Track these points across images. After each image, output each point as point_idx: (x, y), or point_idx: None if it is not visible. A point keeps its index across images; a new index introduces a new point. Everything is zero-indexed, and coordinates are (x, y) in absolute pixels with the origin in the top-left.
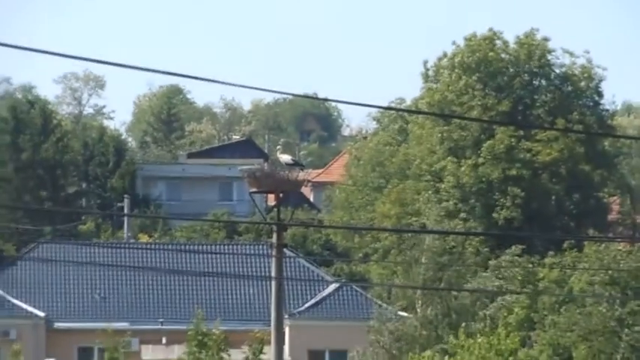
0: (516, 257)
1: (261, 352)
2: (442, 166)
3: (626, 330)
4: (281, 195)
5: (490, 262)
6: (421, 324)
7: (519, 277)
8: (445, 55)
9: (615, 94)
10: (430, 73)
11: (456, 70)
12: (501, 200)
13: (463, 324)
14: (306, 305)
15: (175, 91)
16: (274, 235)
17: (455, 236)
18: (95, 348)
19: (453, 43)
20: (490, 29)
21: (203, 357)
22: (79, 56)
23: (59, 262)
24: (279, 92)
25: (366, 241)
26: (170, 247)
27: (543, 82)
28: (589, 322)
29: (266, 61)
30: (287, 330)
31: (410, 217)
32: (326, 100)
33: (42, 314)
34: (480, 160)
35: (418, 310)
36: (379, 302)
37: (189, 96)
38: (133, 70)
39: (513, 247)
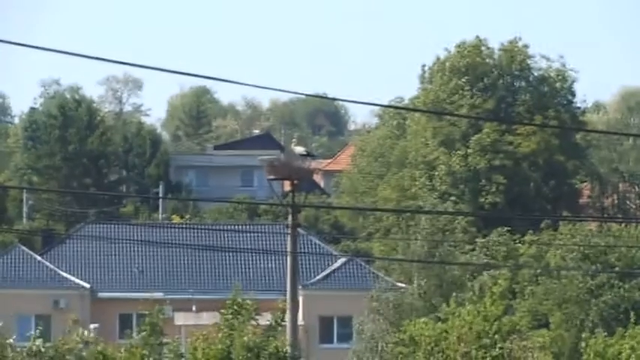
0: (501, 236)
1: (282, 319)
2: (435, 156)
3: (594, 300)
4: (295, 181)
5: (478, 241)
6: (418, 294)
7: (502, 254)
8: (438, 59)
9: (586, 93)
10: (426, 75)
11: (447, 73)
12: (487, 186)
13: (454, 294)
14: (317, 277)
15: (203, 91)
16: (289, 217)
17: (446, 217)
18: (134, 314)
19: (445, 49)
20: (477, 37)
21: (236, 323)
22: (120, 61)
23: (102, 240)
24: (293, 92)
25: (370, 222)
26: (199, 226)
27: (523, 83)
28: (563, 292)
29: (283, 64)
30: (300, 299)
31: (407, 201)
32: (335, 99)
33: (87, 285)
34: (469, 151)
35: (415, 282)
36: (381, 275)
37: (215, 95)
38: (167, 72)
39: (499, 229)
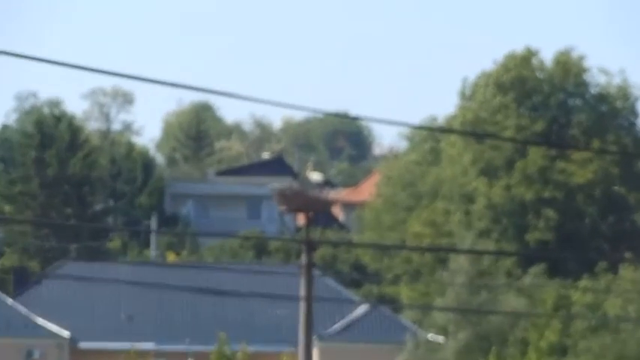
0: (546, 278)
1: None
2: (474, 187)
3: None
4: (311, 214)
5: (516, 282)
6: (455, 352)
7: (550, 299)
8: (483, 73)
9: None
10: (467, 91)
11: (490, 88)
12: (534, 222)
13: (493, 348)
14: (336, 327)
15: (205, 108)
16: (303, 255)
17: (487, 258)
18: None
19: (494, 61)
20: (527, 47)
21: None
22: (108, 71)
23: (85, 280)
24: (309, 109)
25: (396, 262)
26: (198, 266)
27: (579, 101)
28: (623, 349)
29: (296, 77)
30: (316, 352)
31: (441, 238)
32: (357, 118)
33: (67, 334)
34: (513, 181)
35: (451, 335)
36: (410, 325)
37: (218, 113)
38: (163, 85)
39: (535, 267)
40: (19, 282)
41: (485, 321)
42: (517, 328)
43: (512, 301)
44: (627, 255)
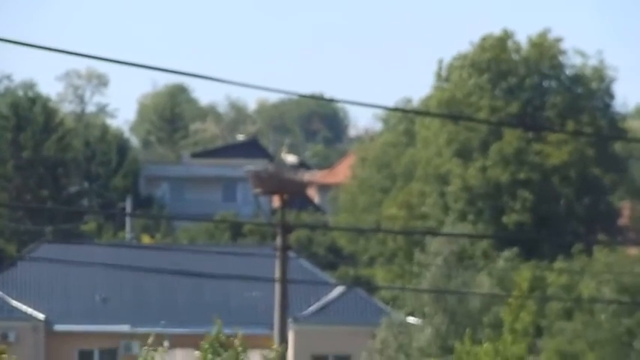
0: (520, 260)
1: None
2: (449, 168)
3: (636, 340)
4: (286, 196)
5: (489, 267)
6: (430, 333)
7: (525, 281)
8: (459, 54)
9: (627, 96)
10: (443, 72)
11: (466, 69)
12: (510, 203)
13: (467, 329)
14: (311, 309)
15: (179, 90)
16: (278, 238)
17: (464, 240)
18: (96, 351)
19: (470, 43)
20: (503, 29)
21: None
22: (82, 53)
23: (60, 262)
24: (284, 92)
25: (372, 245)
26: (173, 248)
27: (554, 83)
28: (598, 331)
29: (272, 59)
30: (291, 334)
31: (416, 220)
32: (332, 100)
33: (42, 316)
34: (488, 162)
35: (427, 317)
36: (385, 307)
37: (193, 95)
38: (137, 67)
39: (508, 251)
40: None
41: (460, 303)
42: (491, 309)
43: (487, 284)
44: (601, 237)
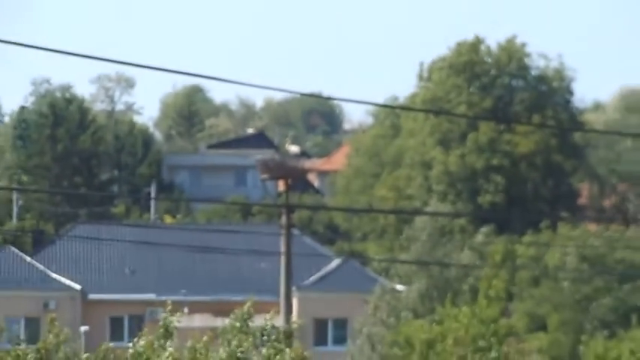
0: (495, 236)
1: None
2: (432, 156)
3: (593, 303)
4: (289, 181)
5: (468, 242)
6: (415, 299)
7: (498, 253)
8: (439, 58)
9: (585, 93)
10: (424, 74)
11: (445, 71)
12: (485, 186)
13: (448, 295)
14: (312, 279)
15: (196, 90)
16: (283, 217)
17: (444, 217)
18: (126, 317)
19: (447, 47)
20: (476, 36)
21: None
22: (112, 59)
23: (93, 240)
24: (288, 91)
25: (365, 222)
26: (191, 227)
27: (521, 82)
28: (560, 295)
29: (277, 62)
30: (295, 301)
31: (404, 201)
32: (329, 98)
33: (78, 287)
34: (466, 150)
35: (414, 284)
36: (377, 276)
37: (208, 94)
38: (160, 71)
39: (483, 228)
40: (37, 242)
41: (441, 272)
42: (469, 278)
43: (465, 256)
44: (564, 214)
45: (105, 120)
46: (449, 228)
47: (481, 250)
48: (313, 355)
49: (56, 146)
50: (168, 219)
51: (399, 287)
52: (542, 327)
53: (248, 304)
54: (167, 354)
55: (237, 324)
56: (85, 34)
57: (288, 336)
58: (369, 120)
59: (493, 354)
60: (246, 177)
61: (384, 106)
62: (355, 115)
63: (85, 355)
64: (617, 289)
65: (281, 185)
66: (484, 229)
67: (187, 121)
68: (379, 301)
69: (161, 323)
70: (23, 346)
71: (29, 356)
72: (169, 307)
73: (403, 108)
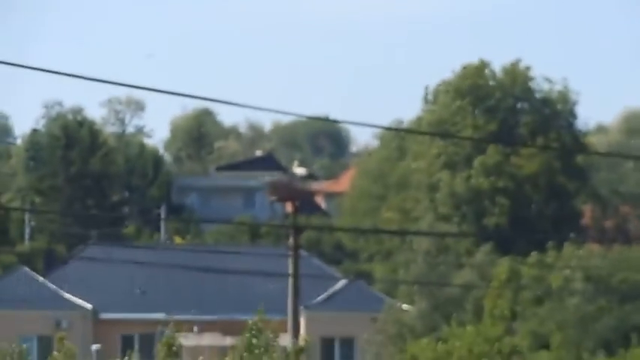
0: (497, 255)
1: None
2: (438, 178)
3: (596, 324)
4: (297, 203)
5: (468, 260)
6: (419, 316)
7: (503, 273)
8: (443, 81)
9: (588, 116)
10: (429, 97)
11: (450, 94)
12: (490, 208)
13: (454, 314)
14: (319, 299)
15: (205, 113)
16: (291, 238)
17: (450, 238)
18: (136, 335)
19: (452, 71)
20: (480, 59)
21: (255, 343)
22: (122, 83)
23: (104, 261)
24: (295, 114)
25: (371, 244)
26: (201, 248)
27: (525, 105)
28: (564, 314)
29: (284, 86)
30: (302, 320)
31: (410, 223)
32: (336, 121)
33: (89, 307)
34: (472, 172)
35: (416, 303)
36: (382, 296)
37: (217, 117)
38: (169, 94)
39: (483, 247)
40: (49, 263)
41: (444, 292)
42: (472, 297)
43: (467, 275)
44: (571, 235)
45: (116, 142)
46: (454, 249)
47: (481, 269)
48: None
49: (68, 168)
50: (177, 240)
51: (405, 307)
52: (546, 346)
53: (257, 318)
54: None
55: (256, 341)
56: (96, 58)
57: (298, 352)
58: (375, 143)
59: None
60: (255, 199)
61: (390, 129)
62: (361, 138)
63: None
64: (619, 309)
65: (289, 207)
66: (484, 248)
67: (197, 144)
68: (386, 321)
69: (163, 341)
70: None
71: None
72: (170, 325)
73: (409, 131)
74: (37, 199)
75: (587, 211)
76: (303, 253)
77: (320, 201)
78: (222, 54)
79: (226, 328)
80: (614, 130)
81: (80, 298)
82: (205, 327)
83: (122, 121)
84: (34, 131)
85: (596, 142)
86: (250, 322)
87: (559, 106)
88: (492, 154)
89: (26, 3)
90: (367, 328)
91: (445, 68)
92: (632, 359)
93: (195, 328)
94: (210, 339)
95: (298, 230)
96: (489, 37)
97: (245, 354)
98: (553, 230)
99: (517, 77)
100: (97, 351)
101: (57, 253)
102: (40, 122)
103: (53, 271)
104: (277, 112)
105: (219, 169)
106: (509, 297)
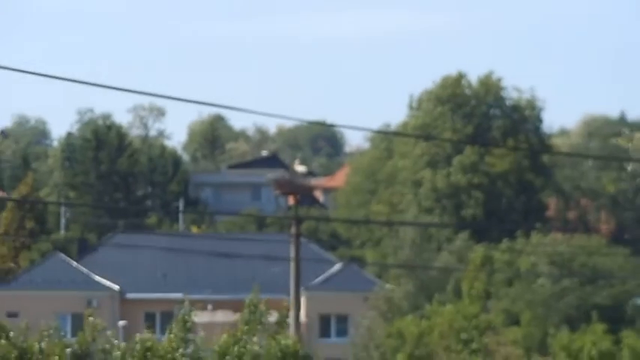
0: (473, 242)
1: (287, 317)
2: (422, 175)
3: (560, 301)
4: (298, 197)
5: (448, 247)
6: (404, 296)
7: (478, 260)
8: (426, 90)
9: (553, 120)
10: (413, 104)
11: (432, 102)
12: (467, 201)
13: (436, 294)
14: (318, 280)
15: (218, 118)
16: (293, 228)
17: (433, 228)
18: (158, 313)
19: (433, 82)
20: (458, 71)
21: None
22: (146, 92)
23: (130, 247)
24: (297, 119)
25: (363, 232)
26: (214, 236)
27: (497, 111)
28: (532, 294)
29: (288, 94)
30: (303, 299)
31: (397, 214)
32: (333, 125)
33: (117, 288)
34: (451, 170)
35: (401, 284)
36: (373, 278)
37: (229, 122)
38: (187, 102)
39: (460, 234)
40: (81, 249)
41: (427, 275)
42: (451, 279)
43: (446, 259)
44: (538, 225)
45: (140, 144)
46: (436, 237)
47: (459, 254)
48: (318, 346)
49: (98, 167)
50: (194, 229)
51: (390, 287)
52: (516, 322)
53: (251, 295)
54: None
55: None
56: (124, 70)
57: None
58: (367, 144)
59: (474, 345)
60: (261, 193)
61: (380, 132)
62: (354, 140)
63: (122, 344)
64: (580, 290)
65: (291, 200)
66: (462, 236)
67: (211, 145)
68: (376, 300)
69: (179, 318)
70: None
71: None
72: (185, 304)
73: (396, 134)
74: (72, 194)
75: (552, 204)
76: (303, 240)
77: (318, 195)
78: (233, 66)
79: (237, 306)
80: (575, 133)
81: (109, 280)
82: (218, 305)
83: (145, 126)
84: (69, 134)
85: (559, 143)
86: (247, 300)
87: (527, 112)
88: (469, 154)
89: (51, 20)
90: (360, 307)
91: (427, 78)
92: (592, 334)
93: (210, 307)
94: (222, 316)
95: (299, 220)
96: (466, 50)
97: (245, 327)
98: (522, 220)
99: (490, 87)
100: (124, 327)
101: (88, 241)
102: (74, 127)
103: (85, 257)
104: (281, 117)
105: (230, 167)
106: (484, 279)
